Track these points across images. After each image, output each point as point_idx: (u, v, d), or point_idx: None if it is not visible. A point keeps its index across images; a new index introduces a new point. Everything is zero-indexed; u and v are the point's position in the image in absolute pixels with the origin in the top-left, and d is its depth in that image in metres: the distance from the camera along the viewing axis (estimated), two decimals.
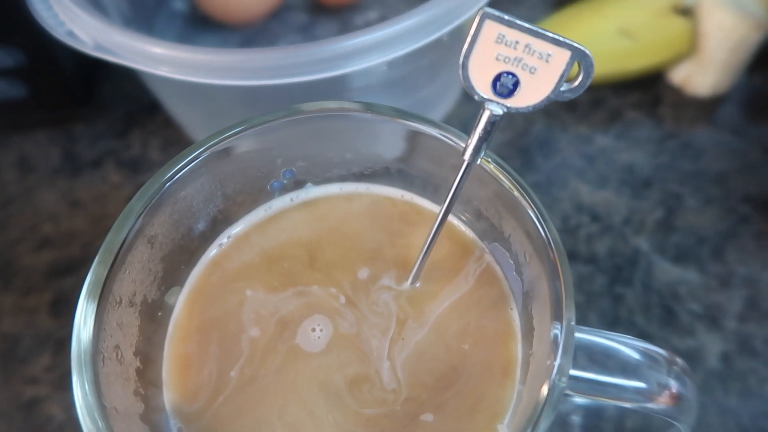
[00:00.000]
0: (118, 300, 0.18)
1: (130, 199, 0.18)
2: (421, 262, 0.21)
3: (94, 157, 0.38)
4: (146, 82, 0.34)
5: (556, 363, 0.16)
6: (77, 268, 0.34)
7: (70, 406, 0.30)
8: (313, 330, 0.21)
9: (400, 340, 0.21)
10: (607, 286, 0.32)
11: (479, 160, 0.18)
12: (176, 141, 0.38)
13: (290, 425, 0.19)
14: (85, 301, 0.16)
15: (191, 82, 0.27)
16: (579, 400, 0.25)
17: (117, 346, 0.18)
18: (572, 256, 0.33)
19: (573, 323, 0.17)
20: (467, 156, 0.18)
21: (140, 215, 0.18)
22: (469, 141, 0.18)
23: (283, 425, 0.19)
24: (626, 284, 0.32)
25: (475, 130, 0.18)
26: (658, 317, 0.31)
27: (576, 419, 0.24)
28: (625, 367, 0.18)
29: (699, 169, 0.36)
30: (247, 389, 0.20)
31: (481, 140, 0.18)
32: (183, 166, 0.19)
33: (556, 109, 0.39)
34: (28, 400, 0.30)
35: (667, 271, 0.33)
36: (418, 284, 0.22)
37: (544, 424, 0.16)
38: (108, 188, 0.37)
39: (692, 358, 0.30)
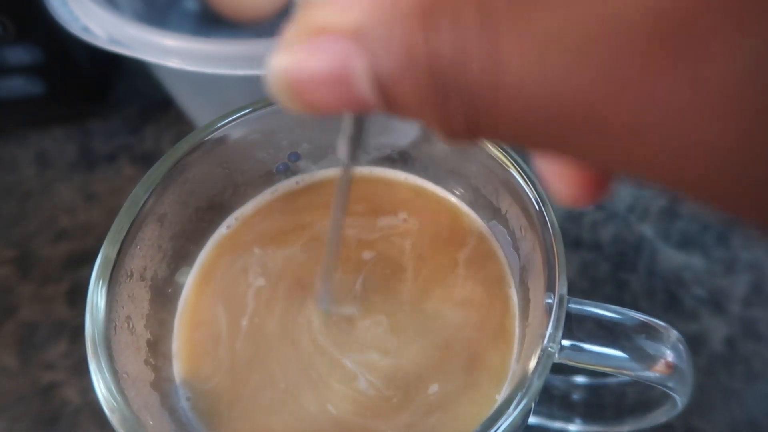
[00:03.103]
0: (129, 273, 0.19)
1: None
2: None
3: (109, 152, 0.39)
4: (159, 77, 0.35)
5: (548, 331, 0.17)
6: (93, 259, 0.35)
7: (87, 391, 0.31)
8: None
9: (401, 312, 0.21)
10: (611, 272, 0.32)
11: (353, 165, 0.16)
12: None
13: (296, 398, 0.20)
14: (98, 271, 0.17)
15: (202, 73, 0.28)
16: (580, 379, 0.25)
17: (128, 317, 0.18)
18: (576, 243, 0.33)
19: (565, 291, 0.17)
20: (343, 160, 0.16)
21: (151, 192, 0.19)
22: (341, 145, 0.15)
23: (289, 397, 0.20)
24: (630, 270, 0.32)
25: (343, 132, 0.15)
26: (662, 302, 0.31)
27: (576, 397, 0.25)
28: (622, 337, 0.18)
29: None
30: (255, 364, 0.20)
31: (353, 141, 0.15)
32: (191, 146, 0.20)
33: None
34: (45, 385, 0.31)
35: (671, 257, 0.33)
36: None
37: (535, 387, 0.16)
38: (122, 182, 0.38)
39: (696, 342, 0.30)
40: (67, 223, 0.36)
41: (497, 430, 0.16)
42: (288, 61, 0.12)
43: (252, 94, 0.34)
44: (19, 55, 0.34)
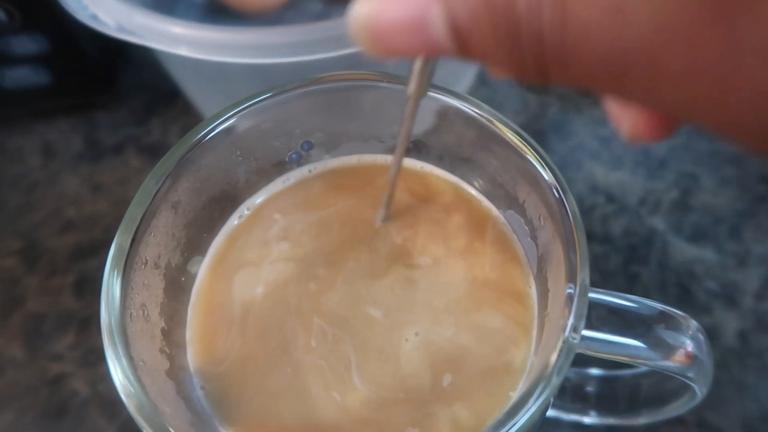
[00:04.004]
0: (144, 261, 0.18)
1: None
2: (387, 197, 0.21)
3: (115, 143, 0.39)
4: (166, 68, 0.34)
5: (570, 321, 0.17)
6: (100, 250, 0.35)
7: (95, 382, 0.30)
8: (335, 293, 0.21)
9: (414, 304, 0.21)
10: (622, 265, 0.32)
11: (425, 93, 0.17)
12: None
13: (304, 385, 0.19)
14: (114, 257, 0.17)
15: (210, 64, 0.28)
16: (594, 371, 0.25)
17: (143, 305, 0.18)
18: (587, 236, 0.33)
19: (587, 280, 0.17)
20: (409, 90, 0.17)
21: (165, 178, 0.19)
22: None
23: (297, 383, 0.19)
24: (642, 263, 0.32)
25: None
26: (674, 295, 0.31)
27: (591, 389, 0.24)
28: (641, 326, 0.18)
29: (715, 149, 0.36)
30: (265, 350, 0.20)
31: (422, 77, 0.17)
32: (205, 134, 0.20)
33: (570, 92, 0.39)
34: (53, 377, 0.31)
35: (683, 250, 0.33)
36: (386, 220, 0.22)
37: (556, 380, 0.16)
38: (129, 173, 0.38)
39: (709, 335, 0.30)
40: (74, 215, 0.36)
41: (517, 422, 0.16)
42: (370, 7, 0.13)
43: (259, 84, 0.33)
44: (26, 44, 0.34)
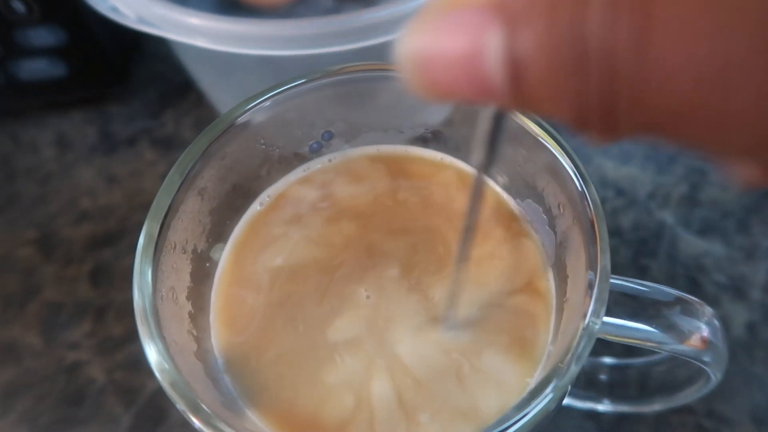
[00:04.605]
0: (173, 245, 0.19)
1: (164, 175, 0.19)
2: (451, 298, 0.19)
3: (129, 135, 0.39)
4: (181, 59, 0.35)
5: (591, 307, 0.17)
6: (115, 241, 0.35)
7: (112, 370, 0.31)
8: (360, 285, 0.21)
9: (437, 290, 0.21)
10: (631, 258, 0.33)
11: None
12: (208, 120, 0.39)
13: (323, 379, 0.20)
14: (145, 241, 0.17)
15: (224, 55, 0.28)
16: (608, 360, 0.25)
17: (172, 288, 0.19)
18: None
19: (608, 266, 0.17)
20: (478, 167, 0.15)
21: (193, 164, 0.19)
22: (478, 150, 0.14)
23: (319, 380, 0.20)
24: (651, 256, 0.33)
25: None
26: (683, 288, 0.31)
27: (604, 378, 0.25)
28: (657, 312, 0.19)
29: None
30: (289, 338, 0.21)
31: (489, 145, 0.14)
32: (231, 122, 0.20)
33: None
34: (70, 364, 0.31)
35: (692, 244, 0.33)
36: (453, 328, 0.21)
37: (575, 367, 0.17)
38: (143, 165, 0.38)
39: None
40: (89, 205, 0.36)
41: (534, 408, 0.16)
42: (420, 39, 0.11)
43: (271, 77, 0.34)
44: (43, 36, 0.34)
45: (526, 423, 0.16)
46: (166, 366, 0.16)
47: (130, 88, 0.41)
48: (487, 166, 0.14)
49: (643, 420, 0.28)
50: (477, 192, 0.15)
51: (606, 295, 0.17)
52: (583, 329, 0.17)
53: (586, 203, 0.18)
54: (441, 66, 0.11)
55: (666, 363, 0.23)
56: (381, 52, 0.29)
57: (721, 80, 0.09)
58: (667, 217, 0.34)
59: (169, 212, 0.18)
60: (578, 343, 0.17)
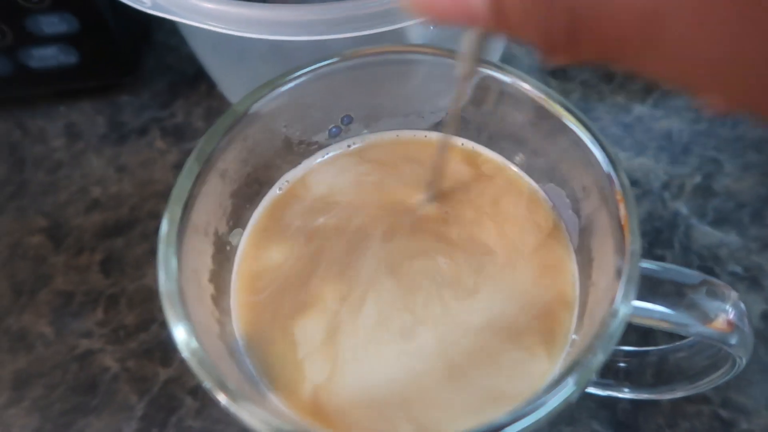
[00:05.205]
0: (196, 226, 0.19)
1: (176, 165, 0.19)
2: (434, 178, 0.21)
3: (139, 125, 0.39)
4: (194, 48, 0.35)
5: (620, 290, 0.17)
6: (126, 230, 0.35)
7: (124, 358, 0.31)
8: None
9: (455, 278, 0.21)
10: (646, 248, 0.33)
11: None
12: (219, 110, 0.39)
13: (344, 357, 0.20)
14: (169, 222, 0.17)
15: (236, 42, 0.28)
16: (626, 348, 0.25)
17: (195, 270, 0.18)
18: None
19: (638, 248, 0.17)
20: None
21: (216, 145, 0.19)
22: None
23: (338, 359, 0.20)
24: (666, 246, 0.33)
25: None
26: None
27: (622, 365, 0.25)
28: (682, 294, 0.19)
29: (737, 135, 0.36)
30: (309, 321, 0.20)
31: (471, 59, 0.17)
32: (253, 103, 0.20)
33: (592, 79, 0.39)
34: (82, 353, 0.31)
35: (706, 234, 0.33)
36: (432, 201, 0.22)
37: (602, 356, 0.16)
38: (154, 154, 0.38)
39: None
40: (99, 194, 0.36)
41: (561, 393, 0.16)
42: None
43: (281, 65, 0.33)
44: (55, 24, 0.34)
45: (552, 410, 0.16)
46: (194, 345, 0.15)
47: (140, 79, 0.41)
48: (470, 76, 0.18)
49: (658, 409, 0.28)
50: (459, 98, 0.19)
51: (636, 278, 0.17)
52: (613, 313, 0.17)
53: (613, 186, 0.18)
54: None
55: (686, 349, 0.23)
56: (395, 38, 0.29)
57: (657, 15, 0.11)
58: (682, 207, 0.34)
59: (192, 192, 0.18)
60: (607, 327, 0.17)
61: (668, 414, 0.28)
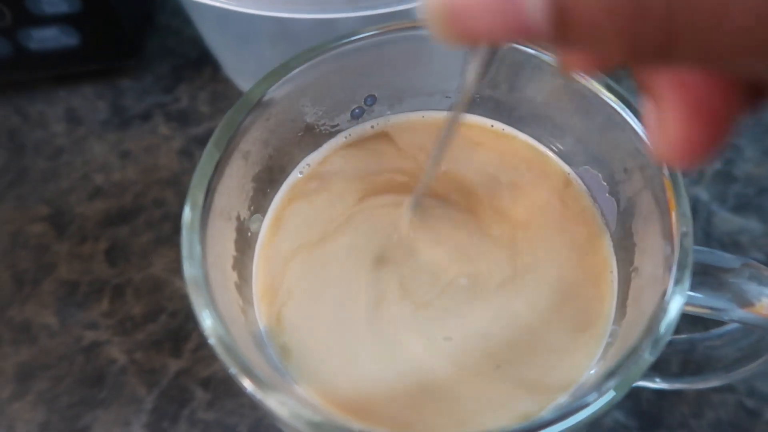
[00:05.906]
0: (219, 211, 0.18)
1: (181, 150, 0.18)
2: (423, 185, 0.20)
3: (142, 110, 0.38)
4: (199, 28, 0.34)
5: (672, 276, 0.16)
6: (130, 217, 0.34)
7: (131, 350, 0.30)
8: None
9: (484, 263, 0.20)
10: None
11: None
12: (224, 95, 0.38)
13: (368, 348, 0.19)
14: (192, 205, 0.16)
15: (242, 22, 0.27)
16: None
17: (218, 256, 0.17)
18: None
19: (690, 232, 0.16)
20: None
21: (238, 126, 0.18)
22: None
23: (361, 351, 0.19)
24: None
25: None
26: None
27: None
28: (723, 279, 0.18)
29: (757, 120, 0.35)
30: (331, 311, 0.20)
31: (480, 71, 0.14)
32: (275, 82, 0.19)
33: None
34: (88, 344, 0.30)
35: (727, 221, 0.32)
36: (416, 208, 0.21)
37: (653, 353, 0.16)
38: (158, 140, 0.37)
39: None
40: (102, 181, 0.35)
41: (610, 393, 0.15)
42: None
43: (287, 47, 0.32)
44: (55, 3, 0.33)
45: (595, 412, 0.15)
46: (221, 331, 0.15)
47: (142, 63, 0.39)
48: (474, 88, 0.15)
49: (683, 399, 0.28)
50: (459, 109, 0.16)
51: (688, 265, 0.16)
52: (664, 306, 0.16)
53: (660, 168, 0.17)
54: (473, 11, 0.10)
55: (722, 337, 0.22)
56: (408, 19, 0.28)
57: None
58: (702, 193, 0.33)
59: (215, 173, 0.17)
60: (658, 323, 0.16)
61: (693, 403, 0.28)
